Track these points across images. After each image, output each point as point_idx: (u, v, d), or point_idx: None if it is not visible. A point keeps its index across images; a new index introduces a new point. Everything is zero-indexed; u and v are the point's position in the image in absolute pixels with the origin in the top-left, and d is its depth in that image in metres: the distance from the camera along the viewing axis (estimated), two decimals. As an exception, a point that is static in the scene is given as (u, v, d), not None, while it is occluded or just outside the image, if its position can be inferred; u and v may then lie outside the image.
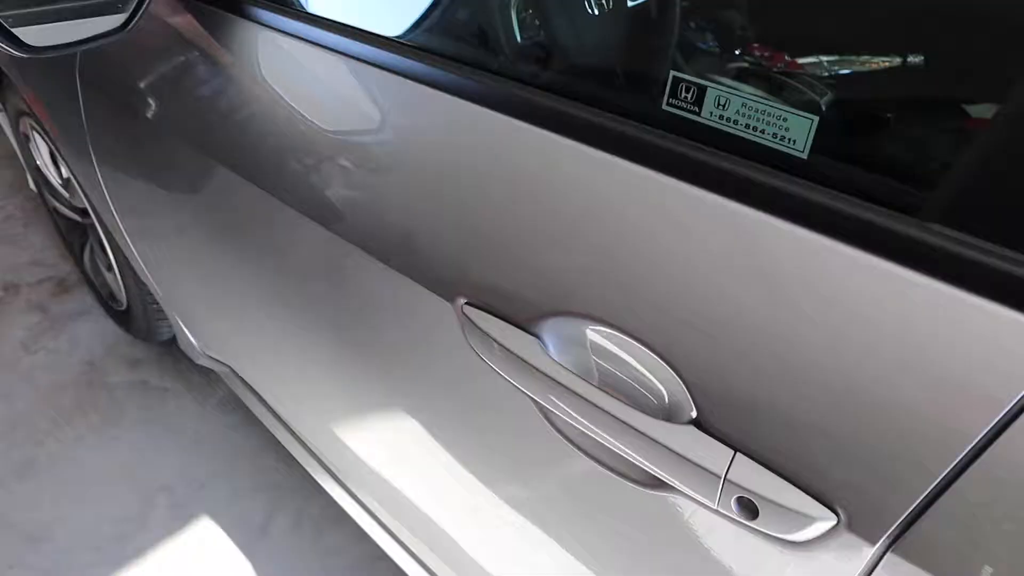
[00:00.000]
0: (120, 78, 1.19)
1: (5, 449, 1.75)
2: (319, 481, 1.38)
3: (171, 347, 1.97)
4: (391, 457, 1.01)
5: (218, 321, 1.40)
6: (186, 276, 1.39)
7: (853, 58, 0.57)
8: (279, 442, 1.67)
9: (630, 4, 0.90)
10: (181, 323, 1.58)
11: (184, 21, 1.04)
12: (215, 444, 1.77)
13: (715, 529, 0.57)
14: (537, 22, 0.90)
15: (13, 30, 0.87)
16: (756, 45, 0.61)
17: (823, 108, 0.52)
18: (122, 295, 1.85)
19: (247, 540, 1.58)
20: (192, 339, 1.58)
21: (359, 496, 1.28)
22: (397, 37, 0.81)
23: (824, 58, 0.59)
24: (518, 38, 0.84)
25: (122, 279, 1.78)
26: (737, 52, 0.64)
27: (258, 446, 1.75)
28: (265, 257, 1.05)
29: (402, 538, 1.17)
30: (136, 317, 1.84)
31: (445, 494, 0.91)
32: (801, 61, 0.58)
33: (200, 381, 1.91)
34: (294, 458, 1.62)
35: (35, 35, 0.89)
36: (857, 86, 0.53)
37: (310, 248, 0.92)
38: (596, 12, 0.89)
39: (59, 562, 1.53)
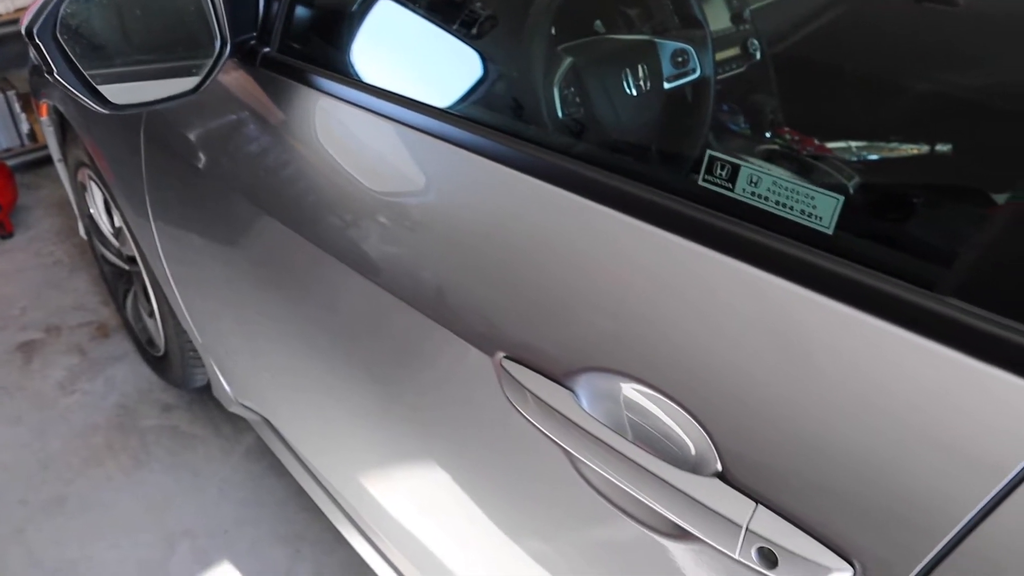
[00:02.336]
0: (182, 135, 1.27)
1: (37, 485, 1.80)
2: (344, 533, 1.40)
3: (203, 394, 2.02)
4: (419, 507, 1.04)
5: (255, 371, 1.45)
6: (228, 325, 1.45)
7: (878, 144, 0.62)
8: (304, 493, 1.70)
9: (666, 86, 0.96)
10: (217, 371, 1.63)
11: (243, 85, 1.12)
12: (240, 492, 1.80)
13: (735, 580, 0.59)
14: (578, 99, 0.96)
15: (99, 87, 0.94)
16: (786, 128, 0.66)
17: (849, 189, 0.57)
18: (161, 341, 1.91)
19: (266, 589, 1.60)
20: (227, 387, 1.63)
21: (383, 550, 1.30)
22: (447, 107, 0.88)
23: (852, 143, 0.64)
24: (559, 112, 0.91)
25: (163, 326, 1.84)
26: (768, 134, 0.70)
27: (283, 496, 1.77)
28: (309, 310, 1.11)
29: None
30: (172, 363, 1.90)
31: (473, 545, 0.93)
32: (830, 145, 0.63)
33: (229, 430, 1.95)
34: (317, 509, 1.64)
35: (117, 93, 0.96)
36: (880, 170, 0.58)
37: (354, 302, 0.97)
38: (634, 92, 0.96)
39: (81, 601, 1.56)
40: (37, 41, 0.87)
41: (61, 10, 0.88)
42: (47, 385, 2.09)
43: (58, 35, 0.88)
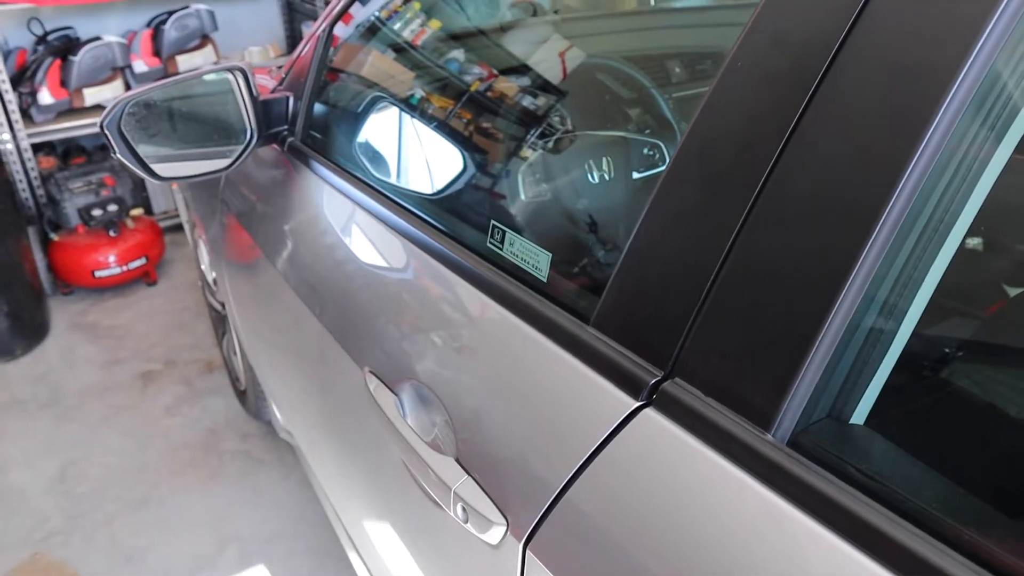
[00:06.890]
0: (240, 202, 1.61)
1: (131, 485, 2.17)
2: (344, 547, 1.63)
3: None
4: (365, 517, 1.27)
5: (289, 405, 1.74)
6: (272, 365, 1.75)
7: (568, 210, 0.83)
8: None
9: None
10: (272, 403, 1.94)
11: (274, 164, 1.44)
12: (289, 510, 2.08)
13: (464, 537, 0.79)
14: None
15: (152, 164, 1.28)
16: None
17: (554, 247, 0.78)
18: (243, 377, 2.26)
19: (290, 592, 1.86)
20: (278, 416, 1.93)
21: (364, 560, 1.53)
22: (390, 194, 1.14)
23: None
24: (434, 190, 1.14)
25: (243, 362, 2.18)
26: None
27: (323, 518, 2.04)
28: (299, 353, 1.38)
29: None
30: (249, 397, 2.23)
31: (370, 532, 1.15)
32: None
33: (291, 459, 2.26)
34: (340, 528, 1.89)
35: (165, 168, 1.30)
36: (570, 231, 0.78)
37: (319, 349, 1.23)
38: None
39: (143, 582, 1.88)
40: (105, 132, 1.21)
41: (124, 109, 1.22)
42: (156, 407, 2.49)
43: (121, 127, 1.22)
